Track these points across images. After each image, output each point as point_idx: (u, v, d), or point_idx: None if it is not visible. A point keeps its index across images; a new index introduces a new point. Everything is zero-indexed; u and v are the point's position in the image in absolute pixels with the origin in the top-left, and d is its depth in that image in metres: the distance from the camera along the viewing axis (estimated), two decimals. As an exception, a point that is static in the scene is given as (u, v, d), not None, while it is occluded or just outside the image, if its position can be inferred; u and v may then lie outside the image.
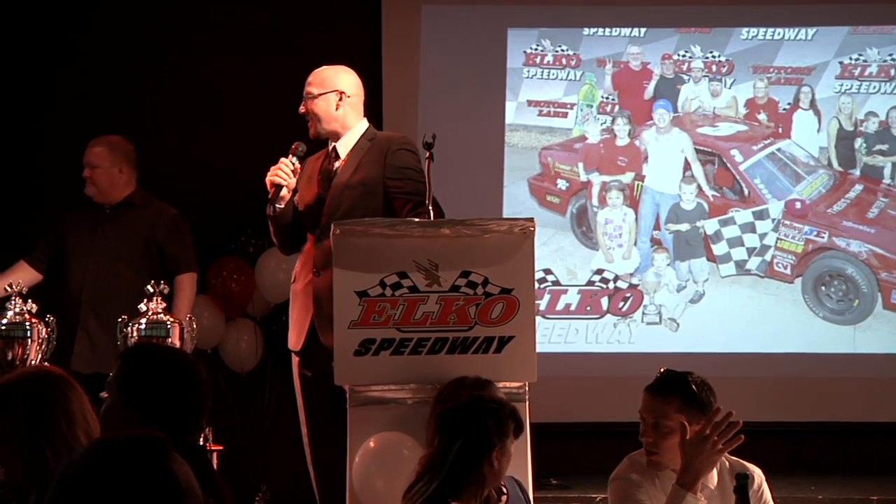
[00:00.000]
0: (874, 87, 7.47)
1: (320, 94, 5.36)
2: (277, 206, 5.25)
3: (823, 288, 7.60)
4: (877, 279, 7.60)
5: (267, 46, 7.78)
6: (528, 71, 7.65)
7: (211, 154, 7.63)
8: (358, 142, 5.37)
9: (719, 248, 7.67)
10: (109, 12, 7.75)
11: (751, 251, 7.66)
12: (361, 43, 7.68)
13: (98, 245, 6.25)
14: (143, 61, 7.71)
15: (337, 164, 5.35)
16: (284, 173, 5.22)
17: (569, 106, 7.59)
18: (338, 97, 5.36)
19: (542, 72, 7.61)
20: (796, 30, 7.45)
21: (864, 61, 7.46)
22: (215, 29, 7.77)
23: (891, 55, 7.51)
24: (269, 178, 5.23)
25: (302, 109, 5.39)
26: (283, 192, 5.25)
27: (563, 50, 7.62)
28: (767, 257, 7.66)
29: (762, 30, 7.54)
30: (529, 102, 7.63)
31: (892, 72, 7.46)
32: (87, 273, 6.23)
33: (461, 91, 7.49)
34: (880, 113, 7.54)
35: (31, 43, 7.72)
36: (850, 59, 7.52)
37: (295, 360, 5.31)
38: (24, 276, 6.12)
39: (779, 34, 7.54)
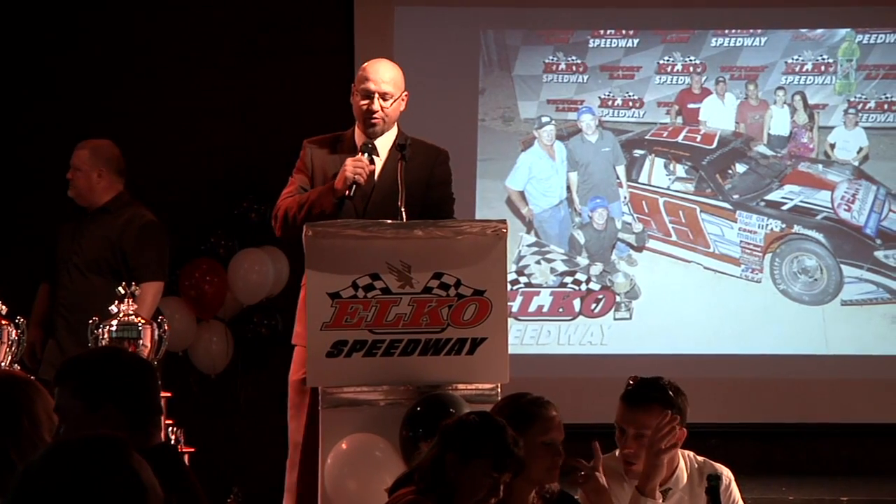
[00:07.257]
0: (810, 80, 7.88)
1: (399, 96, 5.18)
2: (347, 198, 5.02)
3: (793, 267, 7.67)
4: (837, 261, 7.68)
5: (240, 48, 7.76)
6: (547, 77, 7.80)
7: (182, 154, 7.61)
8: (394, 142, 5.18)
9: (690, 249, 7.69)
10: (87, 19, 7.72)
11: (720, 250, 7.69)
12: (334, 44, 7.67)
13: (75, 253, 6.21)
14: (119, 64, 7.69)
15: (378, 161, 5.15)
16: (366, 171, 5.02)
17: (579, 103, 7.83)
18: (405, 99, 5.25)
19: (557, 76, 7.80)
20: (753, 37, 7.82)
21: (803, 61, 7.85)
22: (188, 31, 7.74)
23: (822, 56, 7.83)
24: (350, 174, 4.97)
25: (374, 107, 5.12)
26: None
27: (573, 59, 7.79)
28: (736, 255, 7.69)
29: (727, 38, 7.81)
30: (548, 101, 7.82)
31: (823, 68, 7.88)
32: (64, 282, 6.21)
33: (434, 92, 7.47)
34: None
35: (20, 44, 7.69)
36: (793, 59, 7.82)
37: (298, 356, 5.04)
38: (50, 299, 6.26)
39: (739, 41, 7.77)
